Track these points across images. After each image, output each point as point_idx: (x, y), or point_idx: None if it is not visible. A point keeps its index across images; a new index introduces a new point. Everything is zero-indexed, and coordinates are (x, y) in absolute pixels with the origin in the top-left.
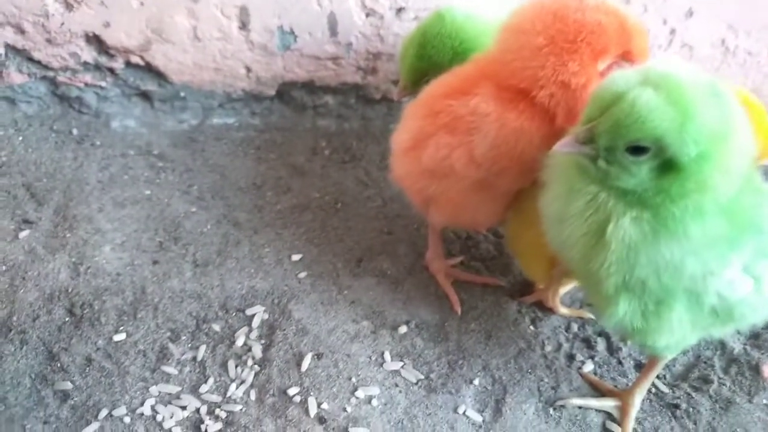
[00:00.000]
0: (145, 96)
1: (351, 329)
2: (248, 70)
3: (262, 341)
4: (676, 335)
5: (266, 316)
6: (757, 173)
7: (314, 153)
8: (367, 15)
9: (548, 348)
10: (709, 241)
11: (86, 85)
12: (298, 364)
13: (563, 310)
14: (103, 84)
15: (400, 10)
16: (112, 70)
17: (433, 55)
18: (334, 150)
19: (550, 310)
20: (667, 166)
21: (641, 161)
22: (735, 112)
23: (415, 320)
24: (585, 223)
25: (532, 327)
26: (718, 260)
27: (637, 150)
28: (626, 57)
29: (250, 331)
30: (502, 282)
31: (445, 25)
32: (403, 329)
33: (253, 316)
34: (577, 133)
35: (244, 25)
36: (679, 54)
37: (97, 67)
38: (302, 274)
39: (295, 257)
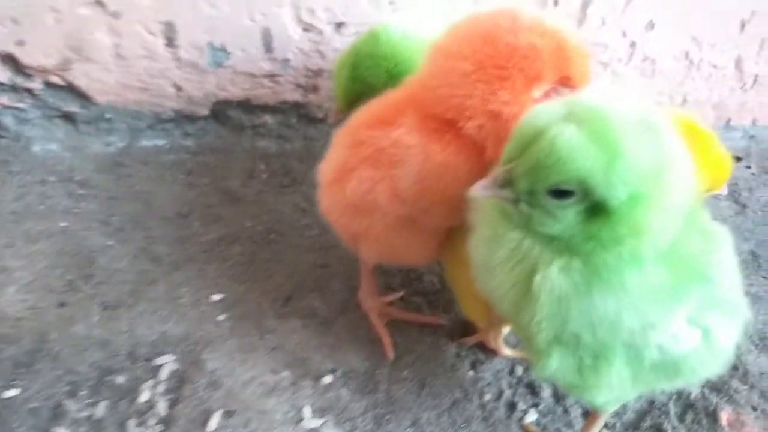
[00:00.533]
0: (69, 118)
1: (269, 380)
2: (178, 88)
3: (169, 396)
4: (616, 391)
5: (176, 366)
6: (702, 212)
7: (251, 176)
8: (305, 30)
9: (487, 396)
10: (649, 291)
11: (3, 107)
12: (205, 424)
13: (507, 352)
14: (22, 105)
15: (339, 25)
16: (30, 91)
17: (367, 77)
18: (272, 173)
19: (493, 352)
20: (596, 209)
21: (566, 205)
22: (672, 145)
23: (342, 368)
24: (511, 273)
25: (471, 372)
26: (659, 312)
27: (560, 193)
28: (565, 82)
29: (157, 384)
30: (443, 321)
31: (379, 45)
32: (327, 379)
33: (161, 366)
34: (495, 175)
35: (170, 42)
36: (640, 68)
37: (14, 88)
38: (221, 317)
39: (216, 297)
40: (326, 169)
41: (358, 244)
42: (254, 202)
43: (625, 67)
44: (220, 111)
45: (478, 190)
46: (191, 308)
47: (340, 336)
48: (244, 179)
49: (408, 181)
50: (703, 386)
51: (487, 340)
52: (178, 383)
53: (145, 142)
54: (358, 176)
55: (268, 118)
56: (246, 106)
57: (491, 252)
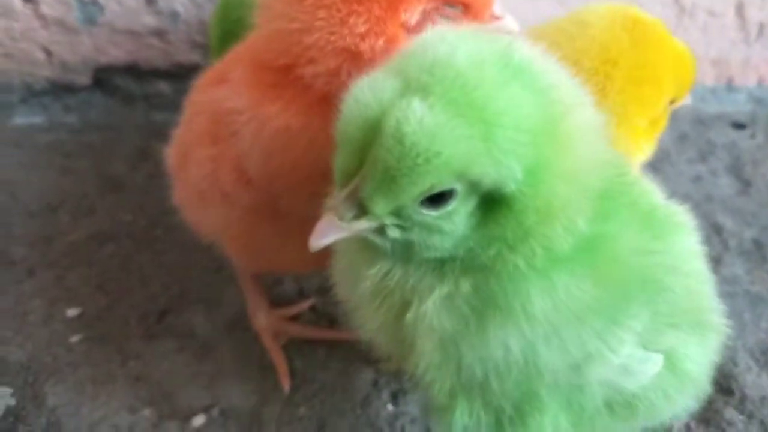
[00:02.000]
0: None
1: (123, 422)
2: (48, 53)
3: None
4: None
5: (13, 402)
6: (644, 187)
7: (142, 158)
8: None
9: None
10: (569, 314)
11: None
12: None
13: None
14: None
15: None
16: None
17: (239, 29)
18: None
19: None
20: (490, 202)
21: (451, 211)
22: (559, 85)
23: (220, 405)
24: (378, 313)
25: (391, 406)
26: (590, 341)
27: (436, 198)
28: None
29: None
30: (359, 337)
31: None
32: (199, 420)
33: None
34: (335, 206)
35: None
36: None
37: None
38: (75, 338)
39: (72, 312)
40: (170, 151)
41: (222, 246)
42: (140, 189)
43: None
44: (105, 79)
45: (320, 238)
46: (40, 326)
47: (223, 362)
48: (133, 162)
49: (250, 157)
50: (689, 418)
51: None
52: (12, 425)
53: (19, 120)
54: (197, 157)
55: (163, 86)
56: (134, 71)
57: (352, 284)
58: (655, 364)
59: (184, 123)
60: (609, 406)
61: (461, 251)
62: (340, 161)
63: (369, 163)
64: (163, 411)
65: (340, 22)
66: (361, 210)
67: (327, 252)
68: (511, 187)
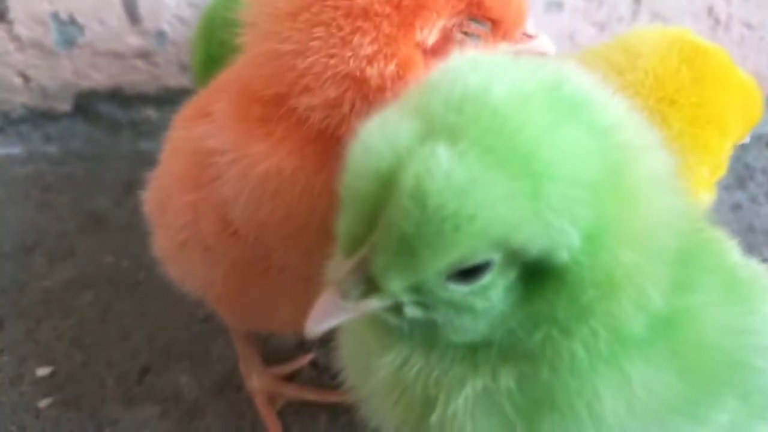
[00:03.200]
0: None
1: None
2: (25, 78)
3: None
4: None
5: None
6: (719, 241)
7: (127, 191)
8: None
9: None
10: (651, 415)
11: None
12: None
13: None
14: None
15: None
16: None
17: (223, 51)
18: None
19: None
20: (536, 273)
21: (485, 286)
22: (620, 119)
23: None
24: (396, 411)
25: None
26: None
27: (468, 273)
28: (476, 12)
29: None
30: None
31: (237, 9)
32: None
33: None
34: (338, 281)
35: (2, 16)
36: None
37: None
38: (44, 402)
39: (43, 371)
40: (148, 196)
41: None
42: (126, 227)
43: (627, 28)
44: (87, 105)
45: (319, 322)
46: (8, 388)
47: (210, 430)
48: (119, 195)
49: (236, 205)
50: None
51: None
52: None
53: None
54: (175, 204)
55: (150, 112)
56: (119, 97)
57: (364, 375)
58: None
59: (163, 163)
60: None
61: (498, 335)
62: (345, 224)
63: (381, 228)
64: None
65: (341, 42)
66: (371, 286)
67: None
68: (564, 256)
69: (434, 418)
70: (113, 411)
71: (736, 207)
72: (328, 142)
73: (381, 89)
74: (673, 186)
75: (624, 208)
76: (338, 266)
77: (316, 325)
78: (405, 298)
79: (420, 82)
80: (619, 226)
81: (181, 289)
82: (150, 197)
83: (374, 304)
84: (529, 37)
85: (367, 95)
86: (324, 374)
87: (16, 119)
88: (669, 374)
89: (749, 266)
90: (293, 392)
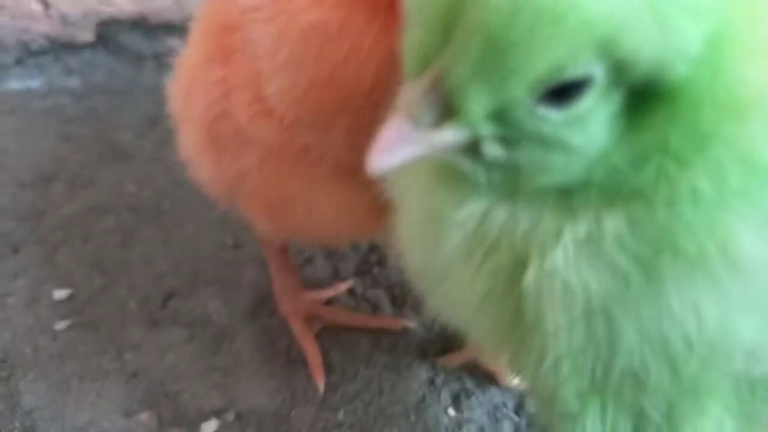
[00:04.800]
0: None
1: (115, 429)
2: (45, 5)
3: None
4: None
5: None
6: None
7: (152, 124)
8: None
9: None
10: None
11: None
12: None
13: (512, 379)
14: None
15: None
16: None
17: None
18: None
19: (488, 378)
20: (646, 98)
21: (584, 112)
22: None
23: (236, 408)
24: (478, 281)
25: (452, 411)
26: None
27: (564, 92)
28: None
29: None
30: (412, 324)
31: None
32: (209, 427)
33: None
34: (408, 105)
35: None
36: None
37: None
38: (62, 324)
39: (60, 294)
40: (172, 86)
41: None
42: (149, 159)
43: None
44: (109, 36)
45: (385, 154)
46: (22, 311)
47: (241, 355)
48: (142, 129)
49: (272, 73)
50: None
51: (481, 359)
52: None
53: (14, 84)
54: (203, 82)
55: (176, 43)
56: (143, 26)
57: (433, 244)
58: None
59: (189, 45)
60: None
61: (598, 175)
62: (414, 36)
63: (461, 31)
64: (164, 415)
65: None
66: (448, 110)
67: (376, 210)
68: (681, 69)
69: (529, 278)
70: (135, 334)
71: None
72: None
73: None
74: None
75: (752, 13)
76: (407, 89)
77: (381, 159)
78: (485, 130)
79: None
80: (746, 34)
81: (209, 218)
82: (174, 87)
83: (450, 134)
84: None
85: None
86: (362, 303)
87: (35, 50)
88: None
89: None
90: (332, 315)
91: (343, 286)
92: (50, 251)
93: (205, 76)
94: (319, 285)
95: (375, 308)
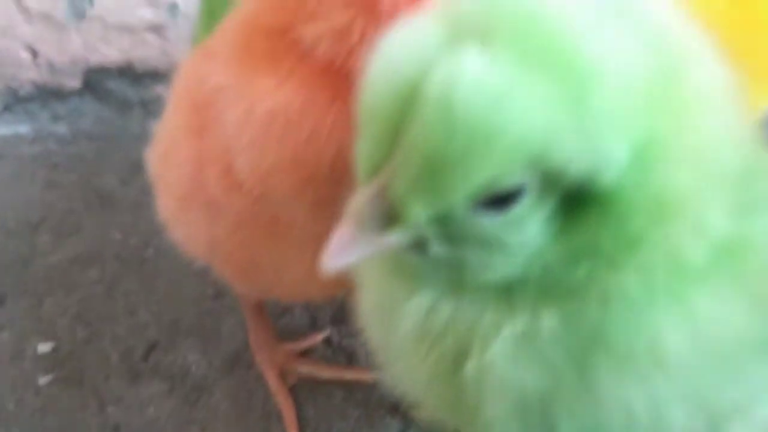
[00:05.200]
0: None
1: None
2: (34, 53)
3: None
4: None
5: None
6: None
7: (135, 171)
8: None
9: None
10: (720, 351)
11: None
12: None
13: None
14: None
15: None
16: None
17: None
18: None
19: None
20: (577, 202)
21: (518, 216)
22: (675, 25)
23: None
24: (426, 365)
25: None
26: (747, 384)
27: (499, 201)
28: None
29: None
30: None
31: None
32: None
33: None
34: (357, 212)
35: None
36: None
37: None
38: (45, 379)
39: (44, 348)
40: (151, 153)
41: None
42: (133, 205)
43: None
44: (96, 82)
45: (336, 257)
46: (6, 364)
47: (218, 409)
48: (126, 175)
49: (239, 150)
50: None
51: None
52: None
53: (3, 130)
54: (177, 154)
55: (161, 89)
56: (130, 74)
57: (385, 330)
58: None
59: (166, 114)
60: None
61: (535, 272)
62: (363, 147)
63: (403, 147)
64: None
65: None
66: (392, 216)
67: (343, 276)
68: (610, 176)
69: (470, 368)
70: (117, 387)
71: None
72: (337, 76)
73: (393, 13)
74: (732, 101)
75: (678, 121)
76: (357, 196)
77: (332, 261)
78: (429, 231)
79: None
80: (672, 142)
81: (190, 267)
82: (153, 153)
83: (395, 237)
84: None
85: (378, 22)
86: (339, 353)
87: (24, 97)
88: (738, 306)
89: None
90: (307, 368)
91: (318, 337)
92: (35, 302)
93: (179, 150)
94: (297, 334)
95: (351, 358)
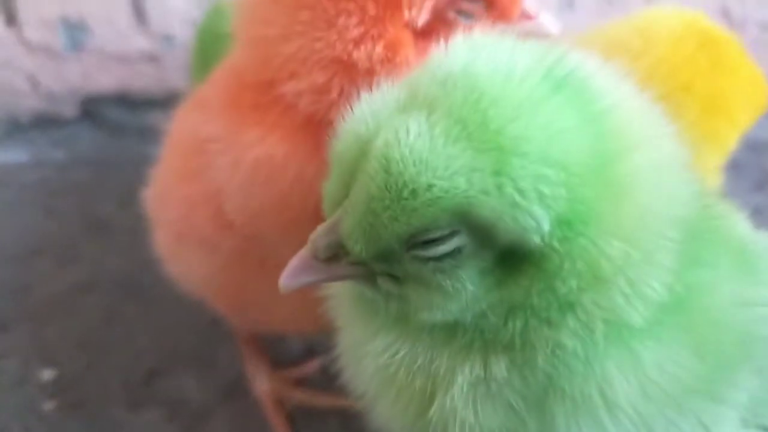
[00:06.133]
0: None
1: None
2: (33, 82)
3: None
4: None
5: None
6: (729, 215)
7: (132, 197)
8: None
9: None
10: (667, 398)
11: None
12: None
13: None
14: None
15: None
16: None
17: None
18: None
19: None
20: (508, 259)
21: (457, 266)
22: (624, 106)
23: None
24: (396, 408)
25: None
26: (694, 426)
27: (429, 243)
28: None
29: None
30: None
31: (224, 22)
32: None
33: None
34: (313, 240)
35: (12, 19)
36: None
37: None
38: (50, 405)
39: (48, 374)
40: (148, 193)
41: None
42: (130, 232)
43: None
44: (94, 110)
45: (291, 278)
46: (10, 390)
47: None
48: (123, 201)
49: (228, 194)
50: None
51: None
52: None
53: (3, 157)
54: (172, 196)
55: (157, 116)
56: (126, 101)
57: (358, 365)
58: None
59: (162, 158)
60: None
61: (475, 319)
62: (329, 186)
63: (352, 192)
64: None
65: (326, 24)
66: (343, 249)
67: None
68: (535, 240)
69: (433, 412)
70: (118, 414)
71: (756, 211)
72: (318, 128)
73: (370, 72)
74: (678, 176)
75: (611, 197)
76: (318, 228)
77: (286, 282)
78: (375, 266)
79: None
80: (604, 215)
81: (187, 294)
82: (150, 194)
83: (342, 267)
84: (529, 16)
85: (355, 79)
86: (334, 380)
87: (24, 125)
88: (682, 353)
89: (757, 238)
90: (302, 396)
91: (314, 364)
92: (37, 329)
93: (174, 192)
94: (293, 362)
95: (345, 383)
